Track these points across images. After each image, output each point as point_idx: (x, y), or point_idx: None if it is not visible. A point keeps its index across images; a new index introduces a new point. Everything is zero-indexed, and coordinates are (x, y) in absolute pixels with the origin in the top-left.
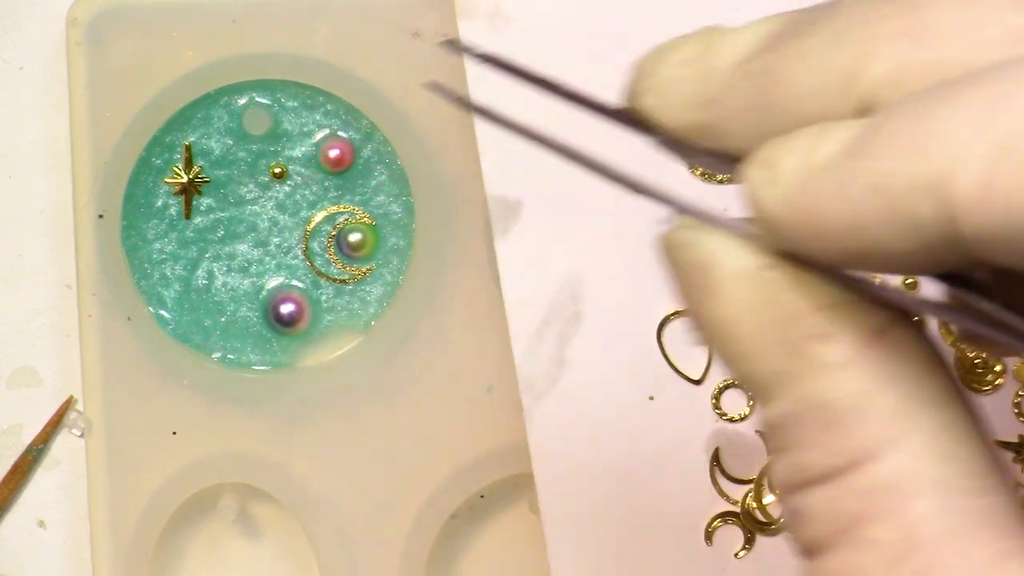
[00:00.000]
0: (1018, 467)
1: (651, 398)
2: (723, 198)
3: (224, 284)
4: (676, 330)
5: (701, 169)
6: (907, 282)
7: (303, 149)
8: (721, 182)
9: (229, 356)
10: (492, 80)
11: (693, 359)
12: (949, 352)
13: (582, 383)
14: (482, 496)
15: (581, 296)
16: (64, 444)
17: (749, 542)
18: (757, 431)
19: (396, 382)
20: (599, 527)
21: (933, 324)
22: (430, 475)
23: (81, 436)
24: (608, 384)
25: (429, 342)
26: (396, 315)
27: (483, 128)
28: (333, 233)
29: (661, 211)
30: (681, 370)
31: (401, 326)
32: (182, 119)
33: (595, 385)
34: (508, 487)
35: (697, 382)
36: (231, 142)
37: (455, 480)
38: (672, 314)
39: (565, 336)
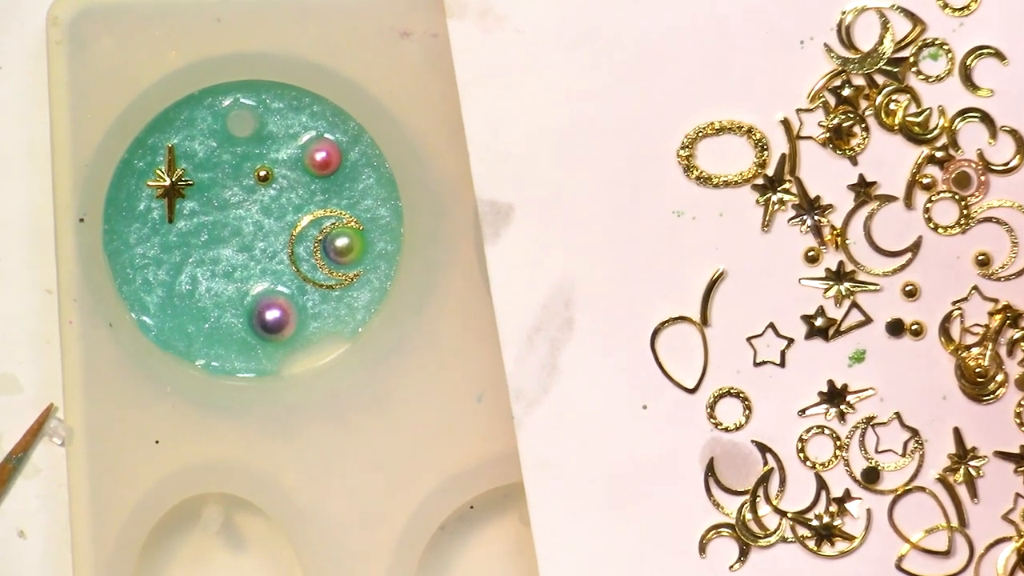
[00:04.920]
0: (1020, 479)
1: (644, 407)
2: (718, 201)
3: (208, 290)
4: (670, 337)
5: (697, 172)
6: (906, 289)
7: (289, 151)
8: (716, 186)
9: (213, 363)
10: (481, 78)
11: (687, 367)
12: (950, 361)
13: (574, 391)
14: (472, 507)
15: (573, 302)
16: (45, 453)
17: (744, 555)
18: (752, 441)
19: (384, 390)
20: (591, 538)
21: (933, 332)
22: (419, 485)
23: (62, 444)
24: (601, 392)
25: (418, 349)
26: (384, 322)
27: (473, 129)
28: (319, 238)
29: (654, 220)
30: (675, 378)
31: (389, 333)
32: (165, 120)
33: (587, 393)
34: (498, 498)
35: (691, 390)
36: (215, 144)
37: (444, 490)
38: (666, 321)
39: (557, 343)
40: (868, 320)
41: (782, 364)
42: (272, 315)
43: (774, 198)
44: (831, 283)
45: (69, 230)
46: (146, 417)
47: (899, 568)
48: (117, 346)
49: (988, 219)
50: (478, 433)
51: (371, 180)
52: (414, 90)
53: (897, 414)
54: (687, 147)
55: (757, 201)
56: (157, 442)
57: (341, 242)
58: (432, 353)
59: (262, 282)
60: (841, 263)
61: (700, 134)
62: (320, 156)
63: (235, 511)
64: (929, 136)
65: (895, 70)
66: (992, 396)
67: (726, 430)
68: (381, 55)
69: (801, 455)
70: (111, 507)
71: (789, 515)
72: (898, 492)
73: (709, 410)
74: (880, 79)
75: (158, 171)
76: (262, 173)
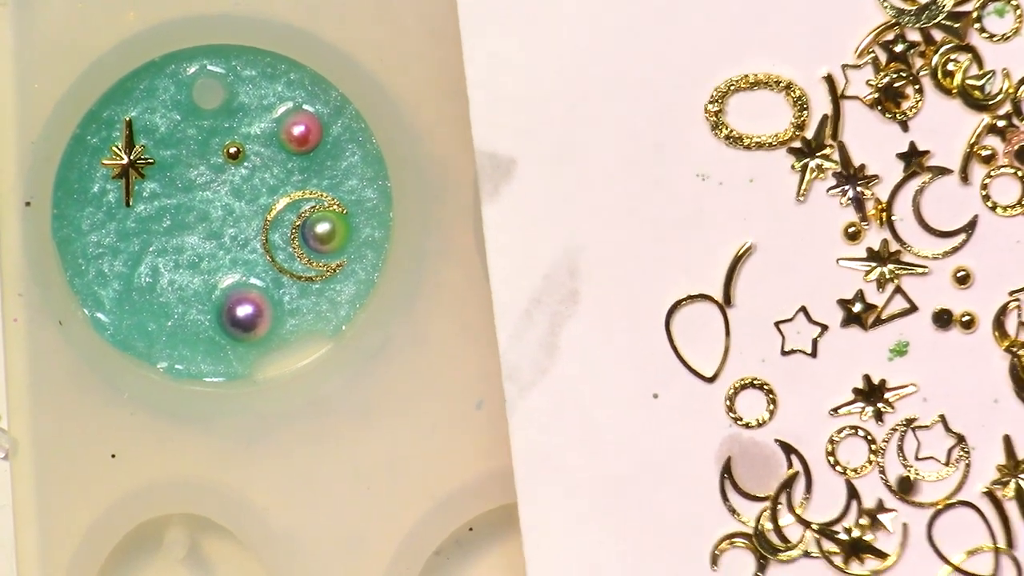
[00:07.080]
0: None
1: (655, 396)
2: (749, 164)
3: (171, 282)
4: (687, 318)
5: (726, 131)
6: (958, 275)
7: (262, 125)
8: (748, 147)
9: (177, 366)
10: (487, 12)
11: (706, 352)
12: (1003, 359)
13: (575, 375)
14: (471, 529)
15: (579, 272)
16: None
17: (761, 569)
18: (776, 440)
19: (371, 396)
20: (589, 545)
21: (986, 325)
22: (411, 505)
23: (5, 458)
24: (605, 377)
25: (408, 349)
26: (371, 318)
27: (475, 69)
28: (297, 223)
29: (676, 183)
30: (691, 364)
31: (376, 331)
32: (122, 91)
33: (590, 377)
34: (501, 519)
35: (709, 380)
36: (179, 117)
37: (440, 511)
38: (683, 299)
39: (558, 318)
40: (913, 308)
41: (813, 354)
42: (244, 311)
43: (812, 164)
44: (873, 264)
45: (13, 215)
46: (101, 428)
47: None
48: (68, 347)
49: None
50: (478, 445)
51: (356, 158)
52: (405, 56)
53: (941, 417)
54: (716, 102)
55: (793, 167)
56: (113, 456)
57: (322, 228)
58: (425, 354)
59: (232, 274)
60: (885, 242)
61: (732, 88)
62: (298, 130)
63: (202, 535)
64: (991, 102)
65: (955, 25)
66: None
67: (747, 426)
68: (367, 16)
69: (831, 459)
70: (62, 530)
71: (814, 526)
72: (939, 506)
73: (728, 403)
74: (938, 35)
75: (114, 148)
76: (232, 150)
